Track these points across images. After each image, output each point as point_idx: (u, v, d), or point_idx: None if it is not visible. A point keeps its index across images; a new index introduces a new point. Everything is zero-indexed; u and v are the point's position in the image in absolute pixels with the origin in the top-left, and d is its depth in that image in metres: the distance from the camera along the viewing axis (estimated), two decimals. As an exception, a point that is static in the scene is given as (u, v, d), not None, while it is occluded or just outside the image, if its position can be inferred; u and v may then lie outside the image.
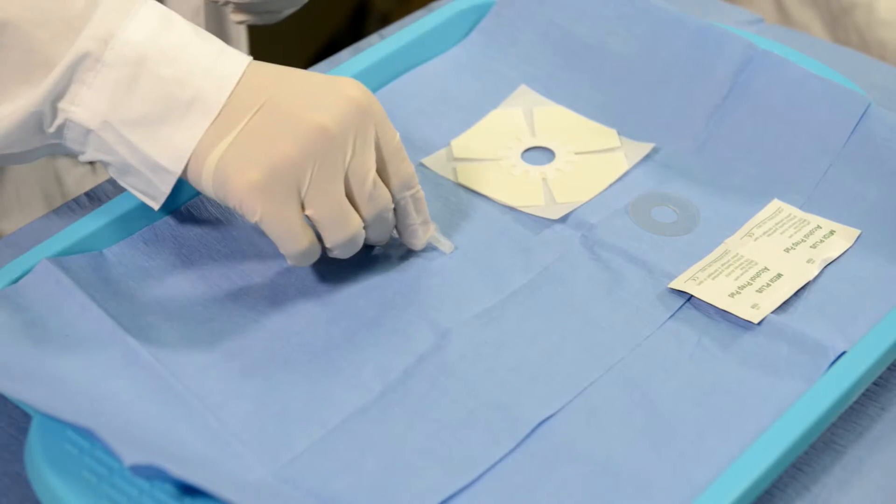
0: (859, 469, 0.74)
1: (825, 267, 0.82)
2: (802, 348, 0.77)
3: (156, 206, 0.78)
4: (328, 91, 0.76)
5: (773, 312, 0.79)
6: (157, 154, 0.75)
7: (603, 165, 0.90)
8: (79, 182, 1.09)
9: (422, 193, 0.80)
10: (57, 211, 0.89)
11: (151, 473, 0.68)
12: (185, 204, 0.84)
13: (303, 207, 0.75)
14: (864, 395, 0.78)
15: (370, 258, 0.83)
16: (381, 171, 0.78)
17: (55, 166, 1.06)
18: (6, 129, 0.75)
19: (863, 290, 0.80)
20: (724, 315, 0.79)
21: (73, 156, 0.78)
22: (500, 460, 0.72)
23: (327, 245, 0.78)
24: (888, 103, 0.90)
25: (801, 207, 0.86)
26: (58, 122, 0.75)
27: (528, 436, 0.73)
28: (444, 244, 0.83)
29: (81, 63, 0.74)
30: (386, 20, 1.94)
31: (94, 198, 0.90)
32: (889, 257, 0.82)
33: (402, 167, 0.78)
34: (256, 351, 0.77)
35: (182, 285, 0.80)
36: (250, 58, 0.77)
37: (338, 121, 0.75)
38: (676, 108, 0.92)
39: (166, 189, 0.76)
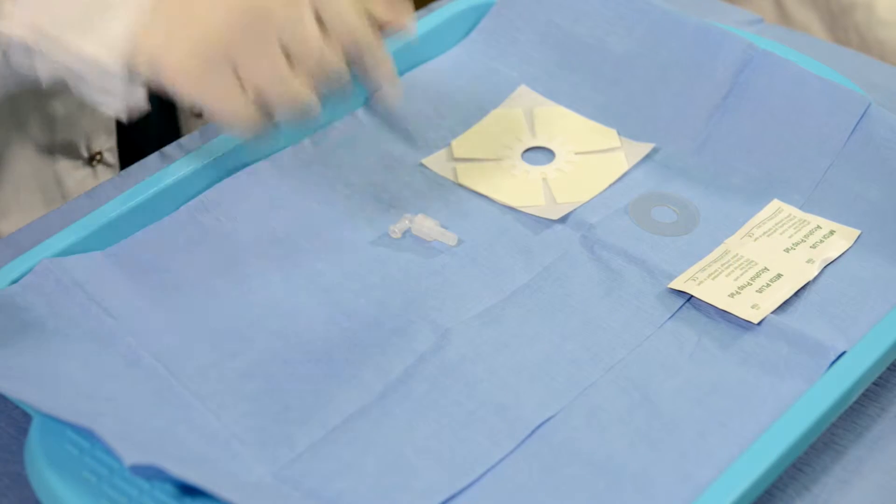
0: (859, 469, 0.75)
1: (825, 267, 0.82)
2: (802, 348, 0.77)
3: (123, 112, 0.76)
4: None
5: (773, 312, 0.79)
6: (96, 51, 0.74)
7: (603, 165, 0.90)
8: (79, 183, 1.09)
9: (376, 40, 0.77)
10: (57, 211, 0.89)
11: (151, 473, 0.68)
12: (184, 204, 0.84)
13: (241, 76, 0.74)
14: (864, 395, 0.78)
15: (371, 258, 0.83)
16: (327, 30, 0.75)
17: (55, 168, 1.06)
18: None
19: (863, 290, 0.80)
20: (724, 315, 0.79)
21: (37, 86, 0.76)
22: (501, 461, 0.72)
23: (273, 113, 0.76)
24: (888, 103, 0.90)
25: (800, 207, 0.86)
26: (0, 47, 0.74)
27: (528, 435, 0.73)
28: (448, 237, 0.83)
29: None
30: (386, 20, 1.93)
31: (95, 198, 0.90)
32: (889, 257, 0.82)
33: (351, 24, 0.75)
34: (256, 351, 0.77)
35: (181, 285, 0.80)
36: None
37: None
38: (676, 108, 0.92)
39: (120, 86, 0.75)
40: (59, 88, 0.77)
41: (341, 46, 0.76)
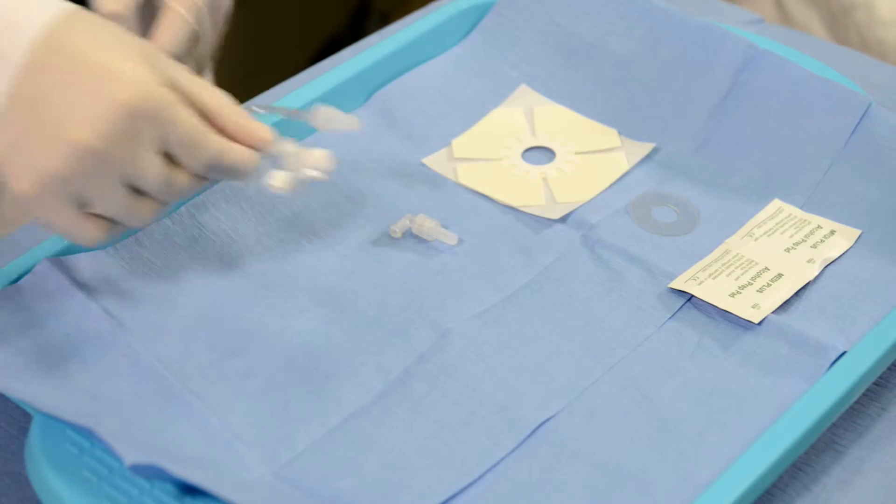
0: (860, 469, 0.74)
1: (826, 267, 0.82)
2: (803, 348, 0.77)
3: None
4: (99, 93, 0.71)
5: (773, 312, 0.79)
6: None
7: (603, 165, 0.90)
8: None
9: (234, 158, 0.75)
10: (57, 210, 0.89)
11: (152, 473, 0.68)
12: (185, 205, 0.84)
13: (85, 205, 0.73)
14: (864, 395, 0.78)
15: (371, 257, 0.83)
16: (177, 160, 0.74)
17: None
18: None
19: (863, 290, 0.80)
20: (725, 315, 0.79)
21: None
22: (501, 460, 0.72)
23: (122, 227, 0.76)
24: (888, 103, 0.90)
25: (801, 207, 0.86)
26: None
27: (528, 435, 0.73)
28: (449, 236, 0.83)
29: None
30: (386, 20, 1.94)
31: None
32: (889, 257, 0.82)
33: (199, 158, 0.74)
34: (257, 351, 0.77)
35: (182, 285, 0.80)
36: (59, 6, 0.72)
37: (103, 135, 0.70)
38: (677, 107, 0.92)
39: None
40: None
41: (199, 172, 0.75)
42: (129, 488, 0.69)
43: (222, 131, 0.75)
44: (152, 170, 0.72)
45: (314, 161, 0.79)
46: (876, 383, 0.79)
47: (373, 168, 0.89)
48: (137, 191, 0.73)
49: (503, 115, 0.94)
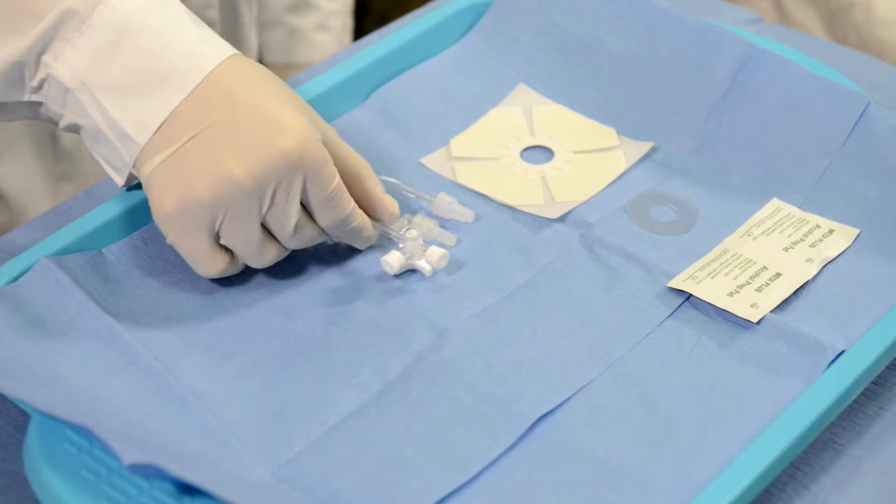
0: (858, 468, 0.74)
1: (824, 266, 0.82)
2: (801, 347, 0.77)
3: (120, 180, 0.78)
4: (262, 136, 0.75)
5: (772, 312, 0.79)
6: (126, 122, 0.75)
7: (602, 164, 0.90)
8: (73, 141, 1.09)
9: (360, 222, 0.80)
10: (56, 210, 0.89)
11: (150, 472, 0.68)
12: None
13: (219, 236, 0.77)
14: (863, 394, 0.78)
15: (369, 257, 0.83)
16: (311, 215, 0.78)
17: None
18: None
19: (862, 290, 0.80)
20: (723, 314, 0.79)
21: (54, 123, 0.78)
22: (499, 458, 0.72)
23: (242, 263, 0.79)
24: (887, 102, 0.90)
25: (800, 206, 0.86)
26: (40, 75, 0.76)
27: (527, 434, 0.73)
28: (447, 237, 0.83)
29: (68, 21, 0.74)
30: (384, 19, 1.94)
31: (94, 196, 0.90)
32: (888, 256, 0.82)
33: (333, 214, 0.78)
34: (255, 350, 0.77)
35: (181, 285, 0.80)
36: (234, 51, 0.77)
37: (256, 174, 0.74)
38: (675, 107, 0.92)
39: (130, 160, 0.76)
40: (72, 132, 0.79)
41: (325, 228, 0.79)
42: (127, 488, 0.69)
43: (356, 196, 0.80)
44: (290, 217, 0.76)
45: (431, 256, 0.81)
46: (874, 382, 0.79)
47: (371, 167, 0.89)
48: (267, 232, 0.77)
49: (502, 115, 0.94)
